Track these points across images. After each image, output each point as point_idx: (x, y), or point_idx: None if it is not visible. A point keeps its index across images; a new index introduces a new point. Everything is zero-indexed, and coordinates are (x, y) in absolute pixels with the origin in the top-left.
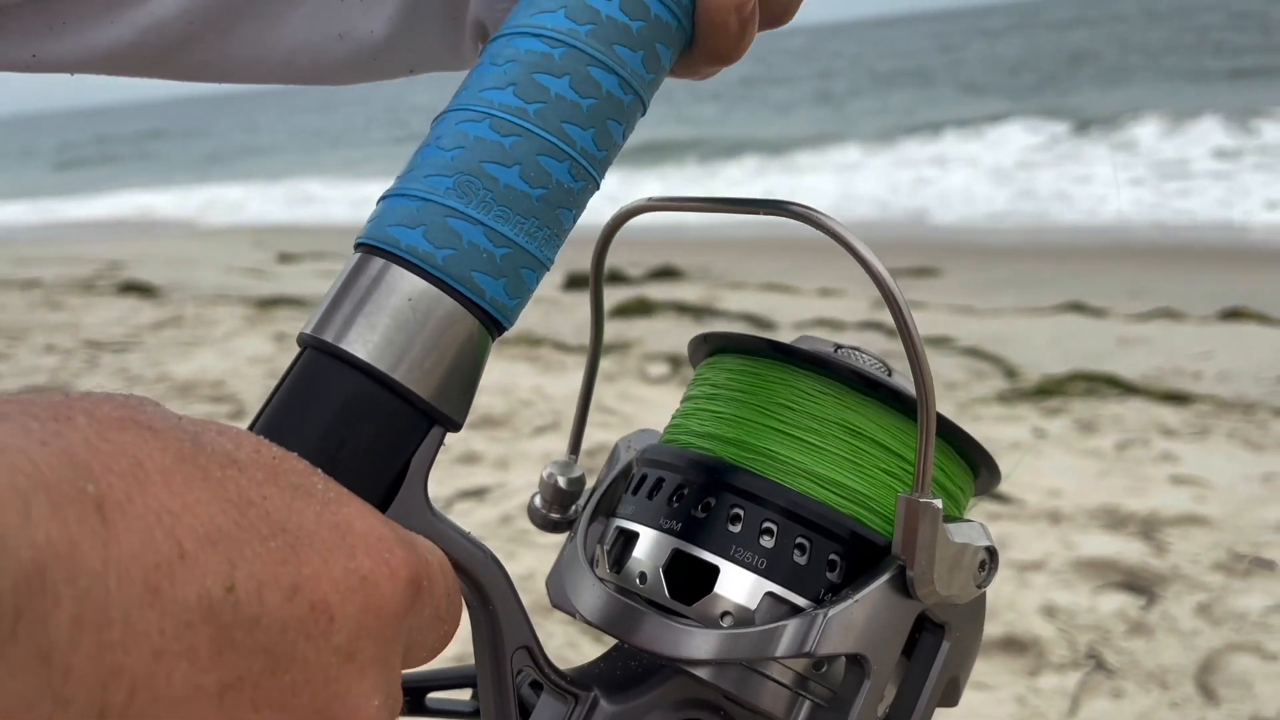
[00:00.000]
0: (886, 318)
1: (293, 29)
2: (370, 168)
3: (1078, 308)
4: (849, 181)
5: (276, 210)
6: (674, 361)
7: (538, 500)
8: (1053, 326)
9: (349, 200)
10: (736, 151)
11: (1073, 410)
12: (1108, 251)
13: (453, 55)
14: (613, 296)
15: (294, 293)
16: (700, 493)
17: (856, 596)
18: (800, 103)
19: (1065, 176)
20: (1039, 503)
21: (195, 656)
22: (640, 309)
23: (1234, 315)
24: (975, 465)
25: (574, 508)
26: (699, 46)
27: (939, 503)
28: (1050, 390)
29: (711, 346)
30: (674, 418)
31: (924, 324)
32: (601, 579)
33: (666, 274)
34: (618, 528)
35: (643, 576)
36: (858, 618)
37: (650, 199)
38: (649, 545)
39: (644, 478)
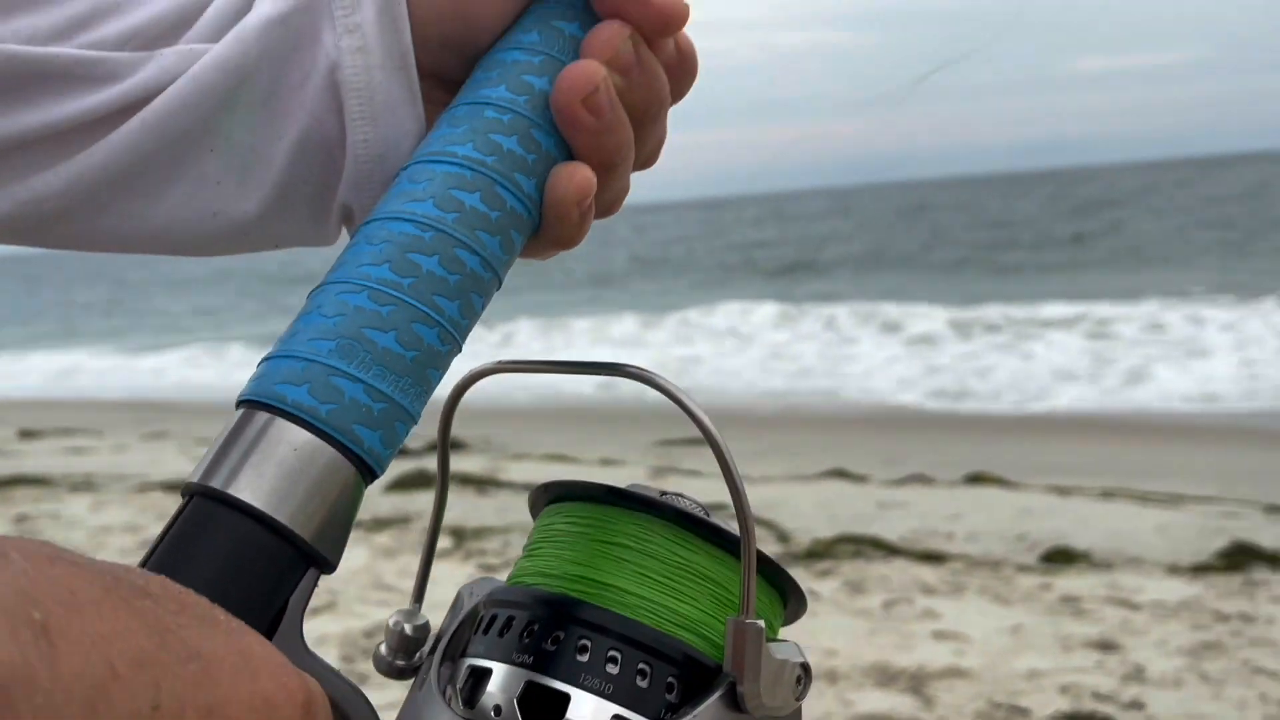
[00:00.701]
0: (661, 484)
1: (169, 206)
2: (138, 340)
3: (840, 474)
4: (627, 354)
5: (32, 382)
6: (457, 534)
7: (383, 649)
8: (818, 492)
9: (114, 371)
10: (513, 315)
11: (842, 572)
12: (864, 422)
13: (318, 233)
14: (393, 468)
15: (35, 471)
16: (549, 627)
17: (695, 711)
18: (578, 279)
19: (824, 355)
20: (816, 663)
21: None
22: (421, 481)
23: (977, 480)
24: (785, 593)
25: (419, 654)
26: (545, 233)
27: (762, 623)
28: (820, 553)
29: (551, 495)
30: (519, 562)
31: (700, 491)
32: (459, 714)
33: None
34: (469, 666)
35: (497, 709)
36: None
37: (500, 361)
38: (502, 679)
39: (494, 617)
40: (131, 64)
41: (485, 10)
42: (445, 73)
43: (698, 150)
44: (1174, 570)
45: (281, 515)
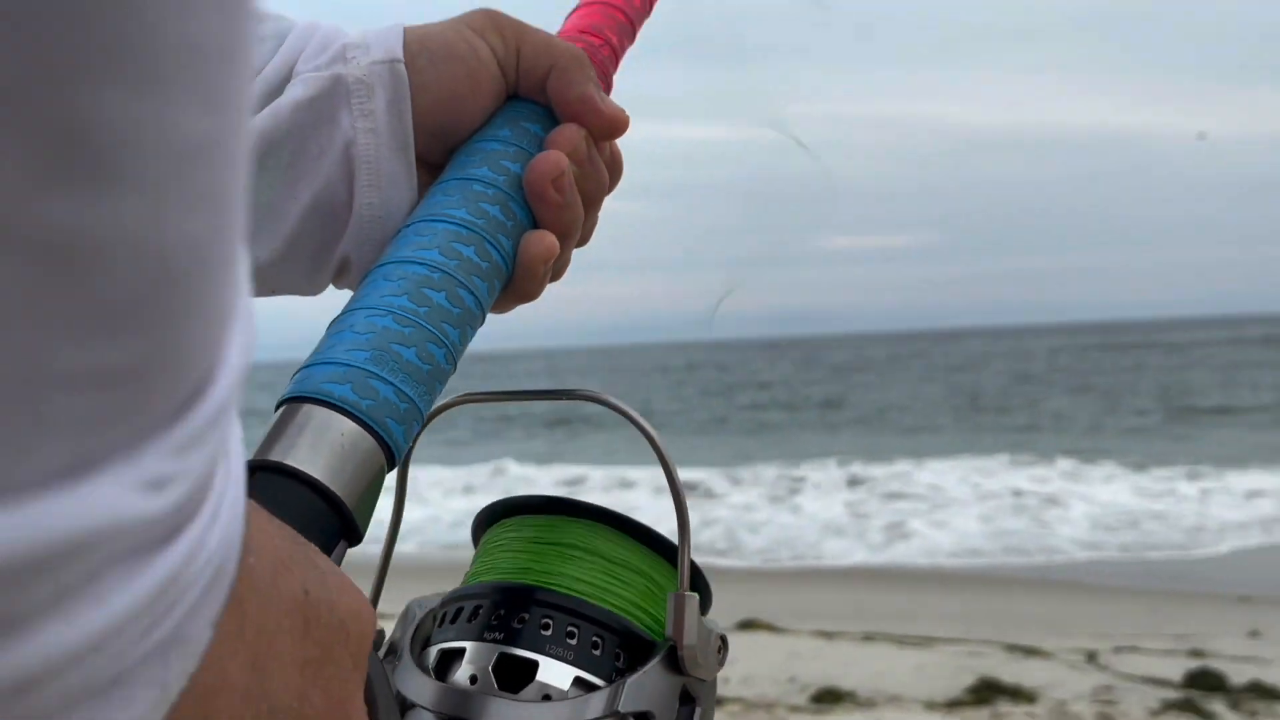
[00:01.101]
0: None
1: None
2: None
3: None
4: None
5: None
6: None
7: None
8: None
9: None
10: None
11: None
12: None
13: (311, 283)
14: None
15: None
16: (514, 609)
17: (644, 669)
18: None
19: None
20: None
21: (293, 634)
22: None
23: (749, 625)
24: (701, 587)
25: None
26: (514, 286)
27: (697, 596)
28: None
29: (497, 511)
30: (471, 570)
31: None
32: (438, 684)
33: None
34: (439, 650)
35: (473, 679)
36: (646, 685)
37: (467, 394)
38: (474, 654)
39: (460, 609)
40: None
41: (469, 111)
42: (429, 157)
43: None
44: (930, 706)
45: (336, 487)
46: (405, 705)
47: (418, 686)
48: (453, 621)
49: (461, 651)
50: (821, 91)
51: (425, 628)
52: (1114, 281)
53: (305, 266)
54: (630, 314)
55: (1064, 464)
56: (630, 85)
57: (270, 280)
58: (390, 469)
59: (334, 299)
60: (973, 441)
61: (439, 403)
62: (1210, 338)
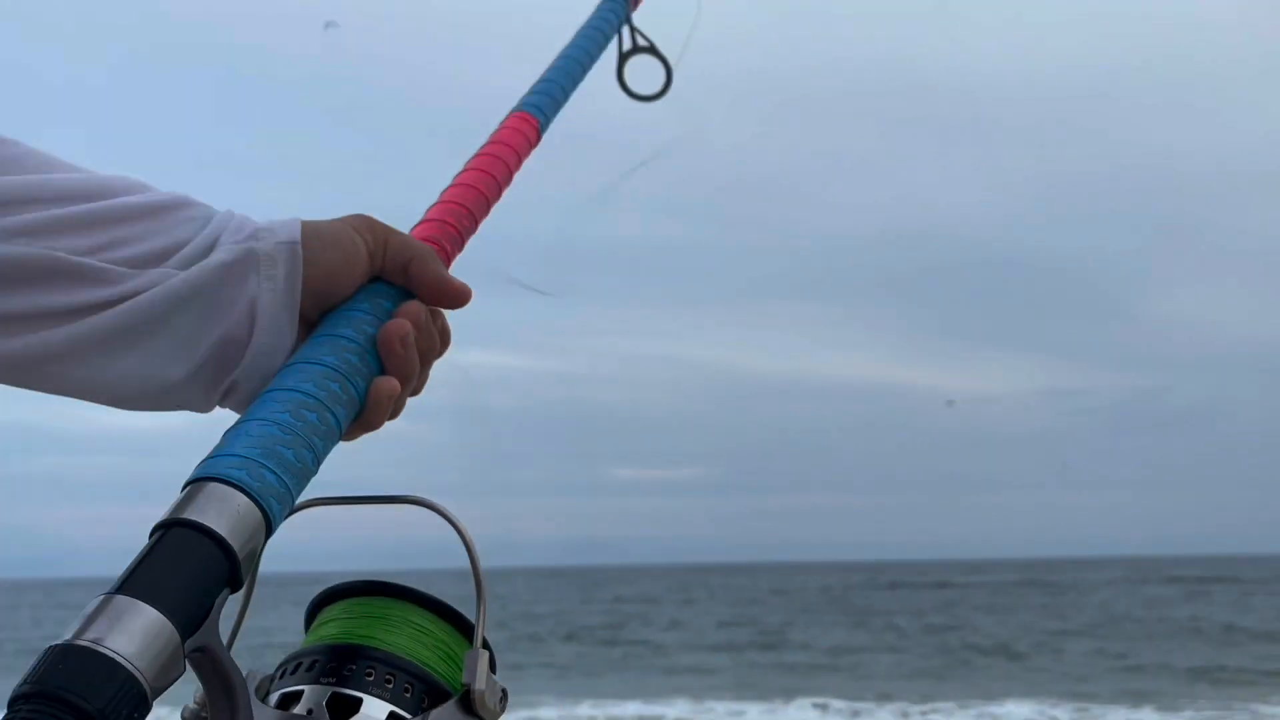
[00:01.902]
0: None
1: (125, 366)
2: None
3: None
4: None
5: None
6: None
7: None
8: None
9: None
10: None
11: None
12: None
13: (206, 403)
14: None
15: None
16: (343, 661)
17: (444, 706)
18: None
19: None
20: None
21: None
22: None
23: None
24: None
25: None
26: (364, 418)
27: (487, 653)
28: None
29: (330, 595)
30: (306, 640)
31: None
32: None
33: None
34: (279, 694)
35: (310, 712)
36: (445, 719)
37: (313, 499)
38: (311, 695)
39: (299, 663)
40: (125, 276)
41: (343, 285)
42: (309, 315)
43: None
44: None
45: (237, 542)
46: None
47: (263, 716)
48: (292, 674)
49: (300, 693)
50: (615, 329)
51: (263, 686)
52: (888, 521)
53: (205, 387)
54: (410, 539)
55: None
56: None
57: (177, 396)
58: (268, 537)
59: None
60: (757, 681)
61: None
62: (968, 581)
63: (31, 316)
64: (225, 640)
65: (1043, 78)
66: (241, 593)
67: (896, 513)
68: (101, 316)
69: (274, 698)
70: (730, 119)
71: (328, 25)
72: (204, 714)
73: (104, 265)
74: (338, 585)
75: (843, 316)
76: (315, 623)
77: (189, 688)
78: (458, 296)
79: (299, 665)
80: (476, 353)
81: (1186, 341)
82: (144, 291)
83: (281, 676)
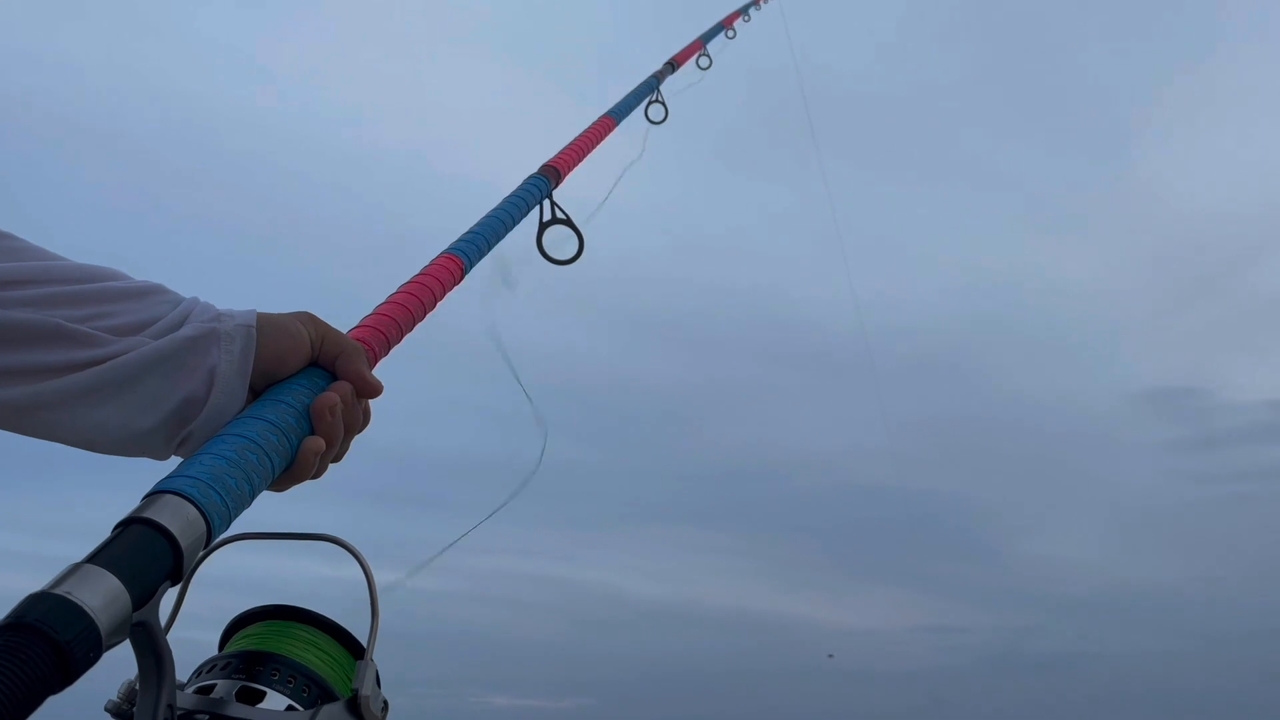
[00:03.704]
0: None
1: (102, 415)
2: None
3: None
4: None
5: None
6: None
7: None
8: None
9: None
10: None
11: None
12: None
13: (166, 451)
14: None
15: None
16: (253, 664)
17: (334, 704)
18: None
19: None
20: None
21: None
22: None
23: None
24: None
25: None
26: (294, 470)
27: (375, 664)
28: None
29: (246, 616)
30: (234, 650)
31: None
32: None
33: None
34: (197, 686)
35: (222, 699)
36: (334, 714)
37: (237, 534)
38: (223, 687)
39: (214, 664)
40: (109, 341)
41: (288, 365)
42: (257, 386)
43: None
44: None
45: (183, 542)
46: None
47: (183, 698)
48: (208, 672)
49: (214, 686)
50: (502, 546)
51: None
52: None
53: (166, 437)
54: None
55: None
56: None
57: (142, 443)
58: (208, 545)
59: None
60: None
61: (221, 536)
62: None
63: (31, 371)
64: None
65: (920, 323)
66: (178, 589)
67: None
68: (87, 373)
69: (191, 688)
70: (623, 345)
71: None
72: (125, 707)
73: (93, 331)
74: (252, 609)
75: (728, 543)
76: (231, 640)
77: (114, 685)
78: (369, 389)
79: (214, 666)
80: (355, 569)
81: (1054, 582)
82: (124, 354)
83: (199, 675)
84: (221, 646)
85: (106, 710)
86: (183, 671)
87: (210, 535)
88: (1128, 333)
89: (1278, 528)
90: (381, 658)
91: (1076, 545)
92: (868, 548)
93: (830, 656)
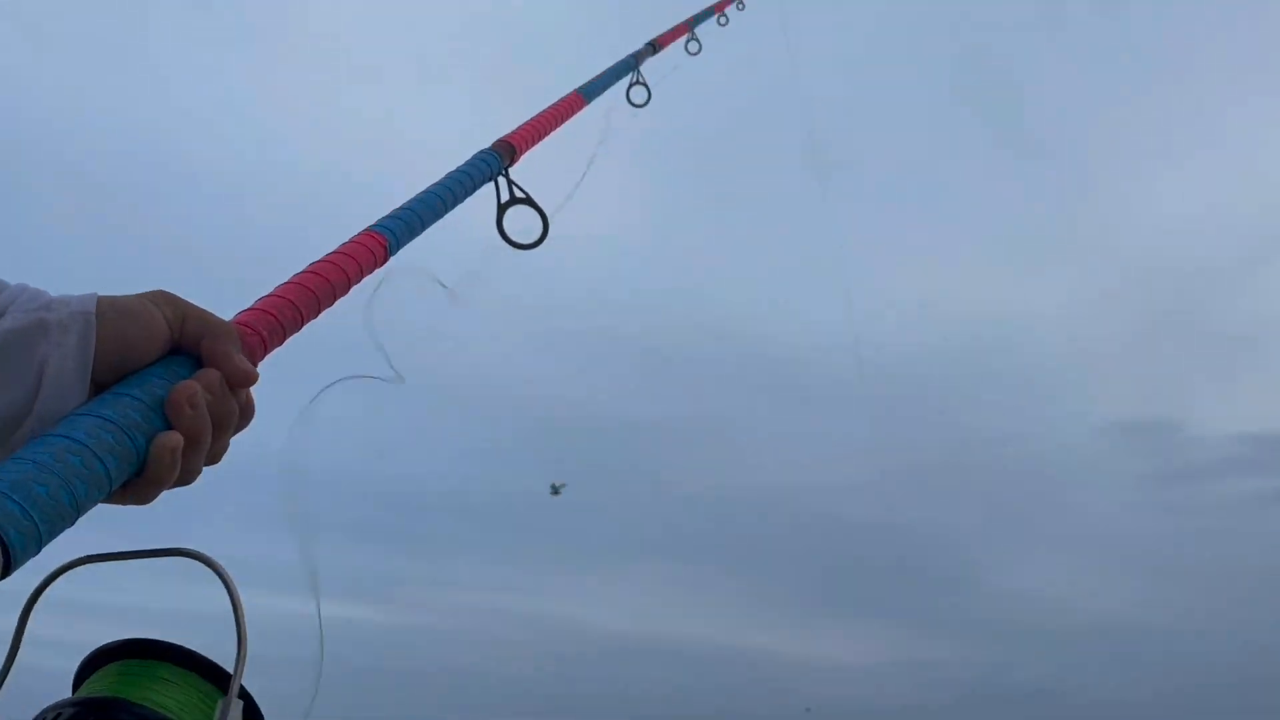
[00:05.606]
0: None
1: None
2: None
3: None
4: None
5: None
6: None
7: None
8: None
9: None
10: None
11: None
12: None
13: (5, 449)
14: None
15: None
16: (94, 712)
17: None
18: None
19: None
20: None
21: None
22: None
23: None
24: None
25: None
26: (147, 472)
27: (242, 703)
28: None
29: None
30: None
31: None
32: None
33: None
34: None
35: None
36: None
37: (80, 557)
38: None
39: (59, 715)
40: None
41: (140, 353)
42: (105, 379)
43: None
44: None
45: None
46: None
47: None
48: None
49: None
50: (475, 583)
51: None
52: None
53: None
54: None
55: None
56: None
57: None
58: (9, 563)
59: None
60: None
61: (65, 561)
62: None
63: None
64: None
65: (891, 359)
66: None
67: None
68: None
69: None
70: (599, 372)
71: None
72: None
73: None
74: (105, 645)
75: (707, 577)
76: (91, 676)
77: None
78: (239, 376)
79: (59, 715)
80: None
81: (1032, 616)
82: None
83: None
84: (76, 685)
85: None
86: (33, 707)
87: (8, 558)
88: (1098, 366)
89: (1247, 559)
90: (336, 696)
91: (1050, 579)
92: (846, 582)
93: (808, 710)
